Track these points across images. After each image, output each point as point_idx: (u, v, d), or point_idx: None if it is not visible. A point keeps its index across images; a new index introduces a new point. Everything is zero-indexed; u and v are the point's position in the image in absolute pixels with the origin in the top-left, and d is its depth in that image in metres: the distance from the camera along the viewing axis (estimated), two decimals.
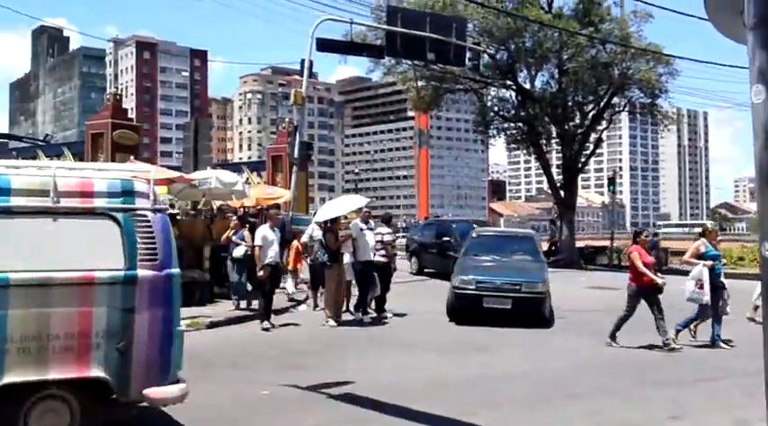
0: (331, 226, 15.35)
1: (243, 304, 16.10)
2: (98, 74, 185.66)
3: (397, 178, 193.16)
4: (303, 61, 22.38)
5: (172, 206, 26.41)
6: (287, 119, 37.22)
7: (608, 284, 22.95)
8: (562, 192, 37.19)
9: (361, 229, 15.54)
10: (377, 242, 15.74)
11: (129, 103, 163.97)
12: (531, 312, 14.83)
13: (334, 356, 12.17)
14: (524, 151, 40.82)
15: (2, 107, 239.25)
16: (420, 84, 37.43)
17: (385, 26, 24.82)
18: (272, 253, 14.45)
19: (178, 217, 18.17)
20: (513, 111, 37.49)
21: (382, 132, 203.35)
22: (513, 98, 37.49)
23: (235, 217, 16.58)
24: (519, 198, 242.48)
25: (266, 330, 14.21)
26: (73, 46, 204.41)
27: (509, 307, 14.66)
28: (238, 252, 15.88)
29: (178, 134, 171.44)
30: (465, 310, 15.06)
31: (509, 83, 36.20)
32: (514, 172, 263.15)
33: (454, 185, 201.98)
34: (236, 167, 43.36)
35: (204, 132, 20.21)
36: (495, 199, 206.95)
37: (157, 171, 17.43)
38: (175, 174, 17.15)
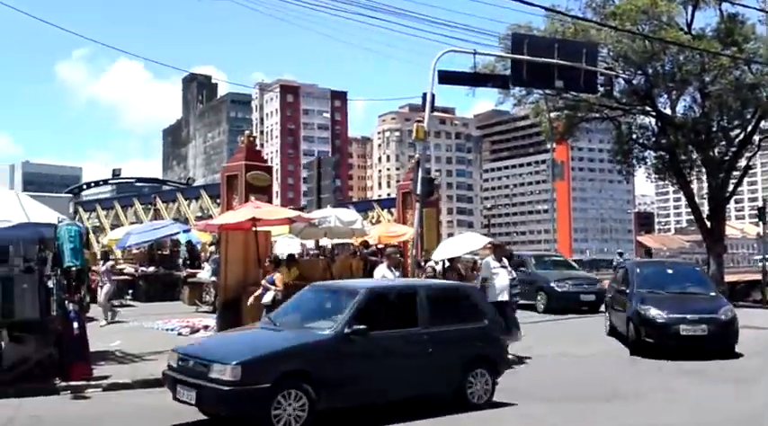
0: (451, 265, 14.69)
1: None
2: (245, 118, 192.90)
3: (538, 212, 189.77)
4: (425, 95, 21.98)
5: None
6: (416, 156, 36.86)
7: (760, 323, 21.05)
8: (709, 223, 35.01)
9: (493, 268, 14.75)
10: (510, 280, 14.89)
11: (274, 146, 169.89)
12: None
13: None
14: (667, 181, 38.74)
15: (156, 152, 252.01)
16: (552, 115, 36.32)
17: (509, 55, 24.14)
18: None
19: (297, 257, 17.97)
20: (653, 139, 35.70)
21: (521, 165, 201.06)
22: (653, 125, 35.72)
23: (268, 261, 15.71)
24: (668, 230, 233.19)
25: None
26: (221, 92, 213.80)
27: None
28: (267, 297, 14.83)
29: None
30: None
31: (648, 109, 34.53)
32: (663, 203, 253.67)
33: (598, 218, 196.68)
34: (367, 204, 43.42)
35: (327, 171, 20.03)
36: (643, 231, 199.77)
37: (277, 211, 17.50)
38: (294, 214, 17.03)
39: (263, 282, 15.25)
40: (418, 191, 21.00)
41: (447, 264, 14.73)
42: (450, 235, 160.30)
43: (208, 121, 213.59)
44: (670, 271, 18.99)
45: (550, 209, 41.67)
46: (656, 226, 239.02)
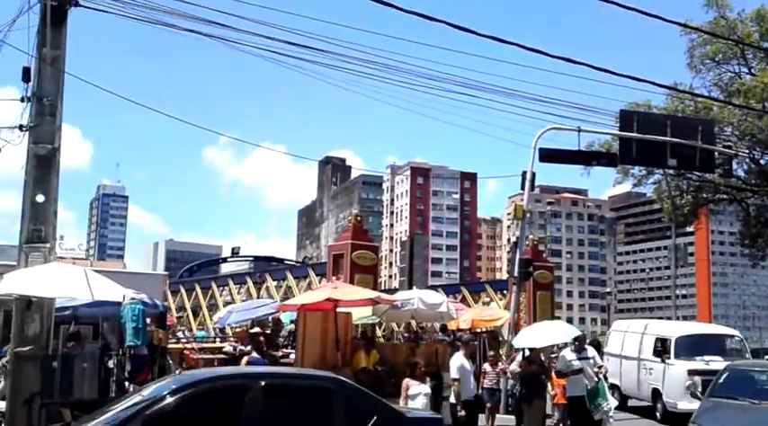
0: (530, 356, 13.58)
1: None
2: (375, 199, 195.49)
3: (677, 297, 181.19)
4: (524, 173, 21.16)
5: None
6: (529, 236, 35.63)
7: None
8: None
9: (570, 361, 13.55)
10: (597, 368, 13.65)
11: (404, 226, 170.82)
12: None
13: None
14: None
15: (292, 232, 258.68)
16: (675, 195, 34.59)
17: (615, 132, 23.07)
18: (470, 386, 13.02)
19: (379, 340, 17.26)
20: None
21: (658, 248, 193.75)
22: None
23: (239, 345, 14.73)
24: None
25: None
26: (354, 174, 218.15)
27: None
28: None
29: (448, 254, 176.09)
30: None
31: None
32: None
33: (740, 304, 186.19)
34: (479, 286, 42.21)
35: (419, 250, 19.38)
36: None
37: (357, 291, 16.87)
38: (374, 295, 16.39)
39: None
40: (515, 273, 20.01)
41: (527, 353, 13.63)
42: (582, 319, 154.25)
43: (340, 202, 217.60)
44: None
45: (673, 294, 39.18)
46: None
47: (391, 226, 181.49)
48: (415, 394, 11.46)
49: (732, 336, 20.77)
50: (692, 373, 16.96)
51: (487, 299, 37.41)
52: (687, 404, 15.78)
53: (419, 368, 12.11)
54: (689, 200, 34.82)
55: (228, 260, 74.10)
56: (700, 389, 14.73)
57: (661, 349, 18.88)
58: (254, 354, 14.30)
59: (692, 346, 18.62)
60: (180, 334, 34.83)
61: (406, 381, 11.69)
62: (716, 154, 23.45)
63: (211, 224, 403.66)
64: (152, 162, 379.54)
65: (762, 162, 31.75)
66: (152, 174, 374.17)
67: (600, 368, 13.59)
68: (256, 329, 21.91)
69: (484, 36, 14.14)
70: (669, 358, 18.17)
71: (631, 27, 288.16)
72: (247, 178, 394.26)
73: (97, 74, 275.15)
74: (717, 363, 16.57)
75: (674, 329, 20.35)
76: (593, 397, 13.18)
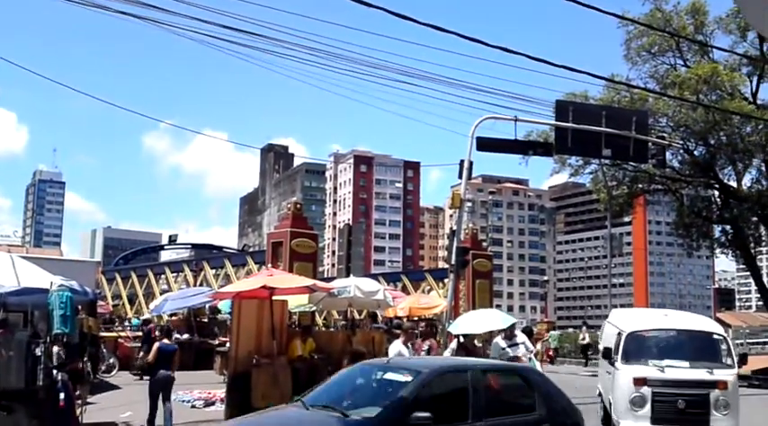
0: (464, 342, 13.68)
1: None
2: (318, 187, 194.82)
3: (614, 286, 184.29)
4: (462, 162, 21.25)
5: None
6: (469, 225, 35.89)
7: None
8: None
9: (503, 348, 13.69)
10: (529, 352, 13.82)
11: (347, 215, 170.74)
12: None
13: None
14: (731, 256, 36.84)
15: (234, 220, 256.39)
16: (612, 185, 35.10)
17: (551, 122, 23.30)
18: None
19: (319, 328, 17.21)
20: (716, 212, 34.10)
21: (596, 238, 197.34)
22: (716, 197, 34.19)
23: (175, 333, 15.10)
24: (749, 307, 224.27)
25: None
26: (297, 162, 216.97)
27: None
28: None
29: (391, 243, 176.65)
30: None
31: (711, 180, 33.08)
32: (744, 279, 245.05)
33: (676, 293, 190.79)
34: (420, 275, 42.51)
35: (357, 238, 19.28)
36: (723, 308, 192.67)
37: (292, 279, 16.81)
38: (310, 282, 16.31)
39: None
40: (452, 261, 20.12)
41: (461, 340, 13.73)
42: (522, 307, 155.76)
43: (283, 190, 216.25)
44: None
45: (609, 282, 39.95)
46: (737, 303, 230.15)
47: (334, 214, 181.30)
48: None
49: (710, 333, 14.44)
50: (638, 382, 12.84)
51: (428, 288, 37.71)
52: (631, 423, 12.75)
53: (364, 357, 11.99)
54: (624, 190, 35.37)
55: (166, 247, 73.23)
56: (649, 404, 12.47)
57: (613, 347, 14.50)
58: (165, 340, 14.22)
59: (649, 345, 14.12)
60: (126, 322, 34.40)
61: None
62: (649, 144, 23.86)
63: (152, 212, 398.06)
64: (91, 148, 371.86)
65: (695, 153, 32.41)
66: (91, 161, 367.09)
67: (531, 352, 13.81)
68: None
69: (423, 24, 14.06)
70: (617, 360, 13.70)
71: (570, 18, 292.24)
72: (189, 165, 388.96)
73: (36, 59, 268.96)
74: (678, 370, 13.02)
75: (631, 322, 15.03)
76: None
